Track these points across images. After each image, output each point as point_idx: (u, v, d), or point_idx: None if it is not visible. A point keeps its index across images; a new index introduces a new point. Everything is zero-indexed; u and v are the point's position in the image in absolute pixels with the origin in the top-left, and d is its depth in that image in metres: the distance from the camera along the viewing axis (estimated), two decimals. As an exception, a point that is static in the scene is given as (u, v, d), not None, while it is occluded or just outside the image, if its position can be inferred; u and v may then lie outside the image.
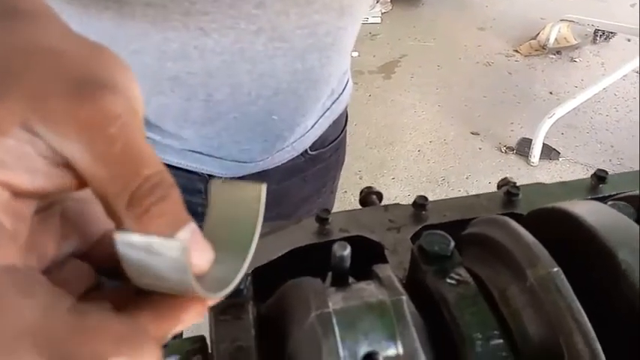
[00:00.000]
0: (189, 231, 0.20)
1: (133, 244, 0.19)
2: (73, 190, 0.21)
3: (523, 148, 2.28)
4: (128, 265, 0.20)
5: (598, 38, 3.06)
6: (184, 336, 0.32)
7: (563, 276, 0.26)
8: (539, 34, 3.09)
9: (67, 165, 0.20)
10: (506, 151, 2.31)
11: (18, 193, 0.20)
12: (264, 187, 0.23)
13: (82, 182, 0.21)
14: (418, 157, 2.35)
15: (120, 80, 0.21)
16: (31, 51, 0.21)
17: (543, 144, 2.23)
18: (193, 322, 0.21)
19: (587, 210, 0.30)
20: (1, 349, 0.18)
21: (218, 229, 0.23)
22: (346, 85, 0.70)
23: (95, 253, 0.24)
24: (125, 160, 0.19)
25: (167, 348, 0.28)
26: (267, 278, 0.36)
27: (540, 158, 2.24)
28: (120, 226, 0.20)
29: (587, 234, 0.29)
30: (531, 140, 2.25)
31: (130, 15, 0.45)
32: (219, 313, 0.27)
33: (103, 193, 0.20)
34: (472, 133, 2.45)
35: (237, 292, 0.28)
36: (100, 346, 0.19)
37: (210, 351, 0.29)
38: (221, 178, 0.19)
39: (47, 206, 0.23)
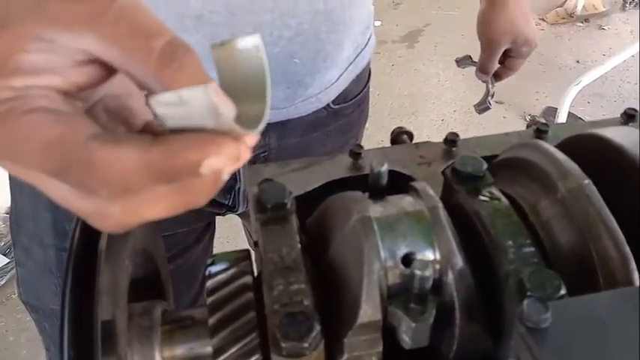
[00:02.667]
0: (212, 83, 0.21)
1: (166, 101, 0.20)
2: (106, 80, 0.23)
3: (548, 116, 2.25)
4: (166, 124, 0.21)
5: (628, 5, 2.98)
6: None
7: (593, 187, 0.27)
8: (566, 1, 3.02)
9: (91, 59, 0.22)
10: (531, 120, 2.29)
11: (66, 94, 0.22)
12: (258, 35, 0.25)
13: (110, 70, 0.23)
14: (442, 126, 2.34)
15: None
16: None
17: (569, 113, 2.20)
18: (233, 158, 0.22)
19: (615, 132, 0.31)
20: (15, 155, 0.21)
21: (232, 86, 0.24)
22: (369, 39, 0.70)
23: None
24: (134, 36, 0.21)
25: (216, 257, 0.30)
26: (305, 209, 0.37)
27: (566, 127, 2.21)
28: None
29: (616, 152, 0.30)
30: (556, 109, 2.22)
31: None
32: (266, 223, 0.29)
33: (129, 71, 0.22)
34: (496, 102, 2.42)
35: (280, 205, 0.30)
36: (98, 178, 0.21)
37: (256, 262, 0.31)
38: (219, 41, 0.20)
39: (92, 106, 0.25)
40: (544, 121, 0.46)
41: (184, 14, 0.51)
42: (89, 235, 0.27)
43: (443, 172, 0.33)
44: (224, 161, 0.21)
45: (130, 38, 0.22)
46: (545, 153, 0.30)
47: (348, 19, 0.57)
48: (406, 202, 0.28)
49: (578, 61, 2.64)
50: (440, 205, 0.28)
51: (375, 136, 2.46)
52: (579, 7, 2.92)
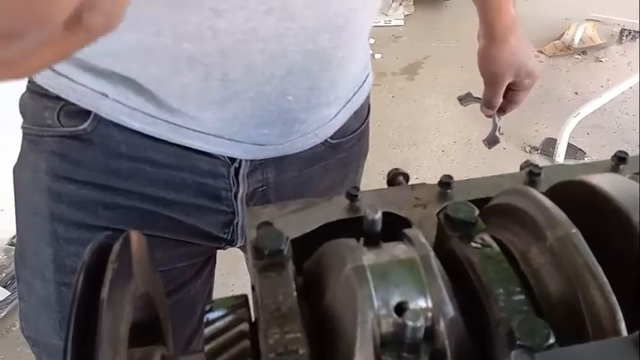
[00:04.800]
0: None
1: None
2: None
3: (548, 148, 2.28)
4: None
5: (624, 38, 3.04)
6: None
7: (580, 236, 0.28)
8: (563, 34, 3.08)
9: None
10: (530, 151, 2.31)
11: None
12: None
13: None
14: (442, 157, 2.36)
15: None
16: None
17: (568, 144, 2.23)
18: None
19: (603, 179, 0.32)
20: None
21: None
22: (367, 76, 0.72)
23: None
24: None
25: (213, 304, 0.31)
26: (301, 251, 0.38)
27: (565, 158, 2.23)
28: None
29: (603, 199, 0.31)
30: (556, 140, 2.24)
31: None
32: (263, 269, 0.30)
33: None
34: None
35: (277, 252, 0.31)
36: None
37: (253, 306, 0.31)
38: None
39: None
40: (536, 164, 0.47)
41: (178, 56, 0.53)
42: (92, 282, 0.27)
43: (437, 216, 0.34)
44: None
45: None
46: (534, 201, 0.31)
47: (340, 58, 0.59)
48: (399, 249, 0.29)
49: (576, 93, 2.68)
50: (431, 253, 0.28)
51: (375, 167, 2.48)
52: (577, 40, 2.98)
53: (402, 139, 2.48)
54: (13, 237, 1.83)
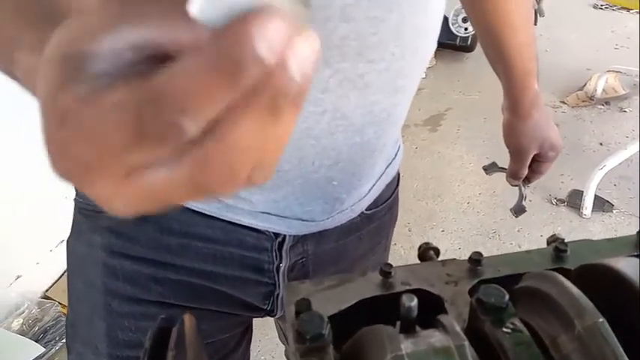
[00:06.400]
0: None
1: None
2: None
3: (574, 200, 2.26)
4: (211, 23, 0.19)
5: (647, 88, 3.04)
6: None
7: (607, 325, 0.30)
8: (585, 84, 3.10)
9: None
10: (557, 204, 2.30)
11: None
12: None
13: None
14: (467, 209, 2.36)
15: None
16: None
17: (595, 196, 2.21)
18: (291, 30, 0.19)
19: (628, 265, 0.34)
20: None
21: None
22: (398, 150, 0.75)
23: None
24: None
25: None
26: (338, 326, 0.40)
27: (593, 211, 2.21)
28: None
29: (627, 287, 0.32)
30: (582, 192, 2.23)
31: None
32: (305, 354, 0.32)
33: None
34: (521, 185, 2.45)
35: (319, 336, 0.33)
36: (173, 106, 0.19)
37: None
38: None
39: None
40: (563, 238, 0.48)
41: None
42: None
43: (470, 301, 0.36)
44: (279, 35, 0.18)
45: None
46: (562, 288, 0.33)
47: (382, 145, 0.63)
48: (435, 338, 0.31)
49: (601, 144, 2.67)
50: (466, 343, 0.30)
51: (401, 218, 2.48)
52: (599, 90, 2.99)
53: (427, 190, 2.49)
54: (46, 290, 1.88)
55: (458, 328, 0.31)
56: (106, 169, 0.21)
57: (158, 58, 0.20)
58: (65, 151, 0.21)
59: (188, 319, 0.35)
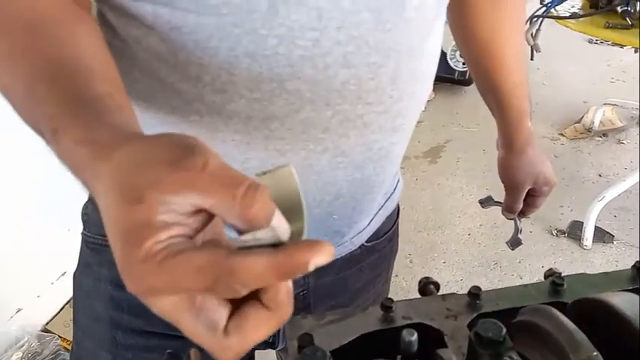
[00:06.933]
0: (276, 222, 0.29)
1: (245, 239, 0.28)
2: (210, 220, 0.31)
3: (574, 231, 2.27)
4: (241, 247, 0.28)
5: (645, 120, 3.07)
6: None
7: (601, 359, 0.31)
8: (583, 117, 3.13)
9: (198, 209, 0.29)
10: (557, 235, 2.30)
11: (190, 237, 0.30)
12: (291, 165, 0.32)
13: (211, 214, 0.30)
14: (468, 240, 2.36)
15: (198, 143, 0.31)
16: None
17: (596, 227, 2.22)
18: (330, 255, 0.29)
19: (621, 300, 0.35)
20: (174, 284, 0.28)
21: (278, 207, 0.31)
22: (397, 184, 0.77)
23: None
24: (223, 188, 0.29)
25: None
26: (340, 360, 0.41)
27: (594, 242, 2.21)
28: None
29: (621, 321, 0.33)
30: (582, 223, 2.24)
31: (221, 140, 0.54)
32: (310, 388, 0.33)
33: (222, 214, 0.29)
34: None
35: (323, 371, 0.34)
36: (239, 281, 0.28)
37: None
38: (259, 173, 0.30)
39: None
40: (560, 272, 0.49)
41: None
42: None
43: (469, 335, 0.37)
44: (324, 258, 0.29)
45: (220, 190, 0.29)
46: (557, 323, 0.34)
47: (381, 181, 0.65)
48: (435, 372, 0.32)
49: (600, 175, 2.69)
50: (465, 376, 0.31)
51: (402, 250, 2.47)
52: (596, 122, 3.03)
53: (428, 222, 2.50)
54: (47, 323, 1.87)
55: (457, 363, 0.32)
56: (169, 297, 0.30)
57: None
58: (141, 280, 0.29)
59: (194, 354, 0.36)
